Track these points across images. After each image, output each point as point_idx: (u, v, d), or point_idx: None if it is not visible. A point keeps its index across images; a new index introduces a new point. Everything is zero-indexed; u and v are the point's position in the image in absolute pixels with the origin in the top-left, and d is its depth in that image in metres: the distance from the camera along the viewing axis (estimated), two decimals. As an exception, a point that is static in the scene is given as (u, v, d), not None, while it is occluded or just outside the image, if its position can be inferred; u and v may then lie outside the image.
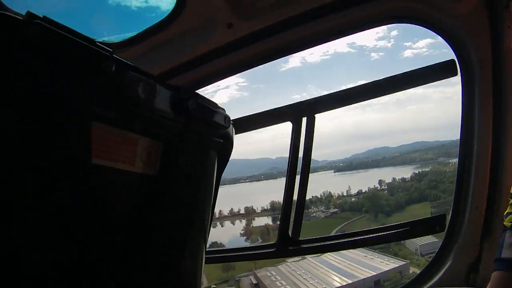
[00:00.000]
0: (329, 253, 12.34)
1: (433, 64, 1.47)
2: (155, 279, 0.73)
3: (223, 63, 1.40)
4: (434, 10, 1.38)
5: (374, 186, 16.87)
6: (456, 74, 1.46)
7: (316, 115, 1.46)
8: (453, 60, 1.45)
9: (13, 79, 0.48)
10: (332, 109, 1.47)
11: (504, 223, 0.76)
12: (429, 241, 11.27)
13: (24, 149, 0.50)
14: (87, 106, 0.56)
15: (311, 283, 11.85)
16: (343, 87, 1.64)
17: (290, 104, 1.49)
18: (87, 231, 0.59)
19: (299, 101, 1.48)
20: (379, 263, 11.81)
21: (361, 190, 17.03)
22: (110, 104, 0.59)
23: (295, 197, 1.48)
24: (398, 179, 16.69)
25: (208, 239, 0.97)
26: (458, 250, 1.48)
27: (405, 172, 17.19)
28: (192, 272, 0.87)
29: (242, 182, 22.14)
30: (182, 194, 0.76)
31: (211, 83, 1.43)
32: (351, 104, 1.48)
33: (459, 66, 1.45)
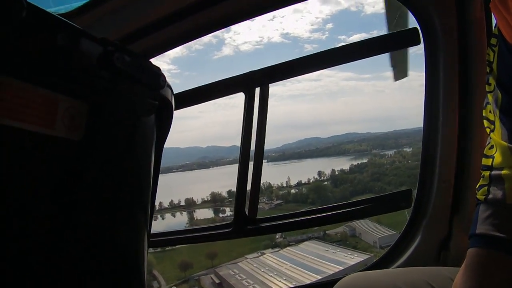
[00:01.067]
0: (288, 247, 11.89)
1: (395, 32, 1.42)
2: (86, 263, 0.64)
3: (174, 30, 1.33)
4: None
5: (314, 177, 16.50)
6: (418, 42, 1.40)
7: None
8: (415, 28, 1.40)
9: None
10: (287, 78, 1.41)
11: (477, 196, 0.70)
12: (386, 234, 10.99)
13: None
14: None
15: (280, 281, 11.12)
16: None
17: (242, 74, 1.41)
18: None
19: (251, 70, 1.41)
20: (344, 257, 11.27)
21: (300, 181, 16.54)
22: (20, 55, 0.50)
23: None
24: (338, 170, 16.42)
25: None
26: (426, 227, 1.40)
27: (342, 163, 16.91)
28: (134, 256, 0.79)
29: (174, 172, 21.14)
30: (112, 162, 0.67)
31: (164, 52, 1.36)
32: (307, 72, 1.40)
33: (422, 34, 1.40)
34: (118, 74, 0.63)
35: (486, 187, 0.66)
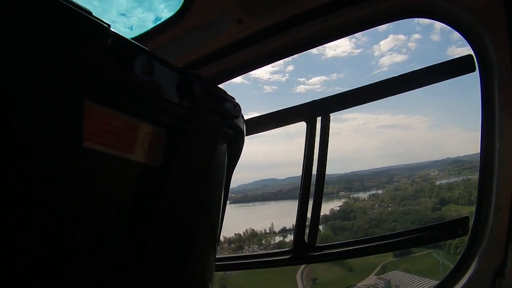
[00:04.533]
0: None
1: (450, 60, 1.42)
2: (157, 283, 0.66)
3: (234, 60, 1.34)
4: (450, 4, 1.34)
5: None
6: (474, 70, 1.41)
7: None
8: (470, 56, 1.40)
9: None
10: (347, 108, 1.41)
11: None
12: (430, 283, 10.31)
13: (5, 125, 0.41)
14: (79, 82, 0.49)
15: None
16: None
17: (303, 103, 1.43)
18: (77, 224, 0.51)
19: (312, 99, 1.42)
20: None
21: (285, 227, 14.73)
22: (105, 82, 0.52)
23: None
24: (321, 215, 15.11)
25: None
26: (482, 254, 1.40)
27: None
28: (201, 278, 0.80)
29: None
30: (188, 190, 0.69)
31: (222, 82, 1.37)
32: (367, 102, 1.40)
33: (477, 61, 1.41)
34: (197, 103, 0.64)
35: None
